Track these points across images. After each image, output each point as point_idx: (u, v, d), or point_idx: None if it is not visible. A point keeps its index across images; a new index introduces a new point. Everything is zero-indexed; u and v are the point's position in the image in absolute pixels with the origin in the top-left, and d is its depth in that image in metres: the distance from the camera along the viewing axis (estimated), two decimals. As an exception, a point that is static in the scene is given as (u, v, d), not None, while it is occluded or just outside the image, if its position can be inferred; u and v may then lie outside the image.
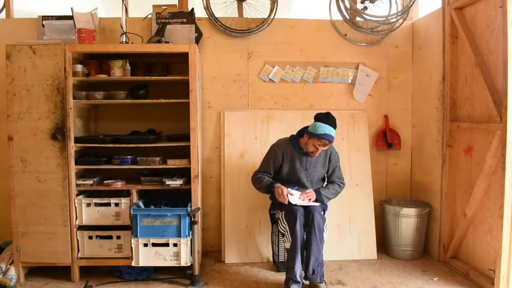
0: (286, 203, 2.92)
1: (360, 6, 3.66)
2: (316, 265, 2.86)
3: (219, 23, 3.67)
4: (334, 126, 2.93)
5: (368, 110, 3.88)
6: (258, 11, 3.73)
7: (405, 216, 3.50)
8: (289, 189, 2.97)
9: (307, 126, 3.01)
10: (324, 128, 2.89)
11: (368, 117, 3.86)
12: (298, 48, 3.82)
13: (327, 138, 2.90)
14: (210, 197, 3.76)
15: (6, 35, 3.45)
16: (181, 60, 3.13)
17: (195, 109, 3.09)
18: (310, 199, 2.99)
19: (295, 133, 3.15)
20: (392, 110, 3.95)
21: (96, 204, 3.08)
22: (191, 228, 3.03)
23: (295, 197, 2.95)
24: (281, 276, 3.10)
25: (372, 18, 3.59)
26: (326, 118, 2.94)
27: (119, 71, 3.15)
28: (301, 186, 3.09)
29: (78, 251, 3.07)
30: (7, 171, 3.03)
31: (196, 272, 3.05)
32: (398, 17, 3.70)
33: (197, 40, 3.57)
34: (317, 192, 3.05)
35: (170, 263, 3.03)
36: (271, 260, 3.50)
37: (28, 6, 3.83)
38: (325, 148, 2.97)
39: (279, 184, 2.99)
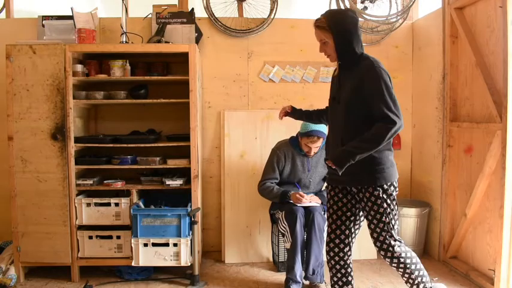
0: (306, 203, 2.94)
1: (360, 6, 3.66)
2: (317, 265, 2.86)
3: (219, 23, 3.67)
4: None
5: (368, 110, 3.87)
6: (258, 11, 3.73)
7: (405, 216, 3.50)
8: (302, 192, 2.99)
9: None
10: (311, 125, 2.89)
11: (368, 117, 3.86)
12: (298, 48, 3.81)
13: (315, 134, 2.90)
14: (210, 197, 3.76)
15: (6, 35, 3.44)
16: (181, 60, 3.13)
17: (195, 109, 3.09)
18: (311, 201, 3.00)
19: (295, 134, 3.15)
20: (392, 110, 3.94)
21: (96, 204, 3.08)
22: (191, 228, 3.03)
23: (308, 199, 2.98)
24: (281, 276, 3.10)
25: (372, 18, 3.59)
26: None
27: (119, 71, 3.15)
28: (303, 187, 3.10)
29: (78, 250, 3.07)
30: (7, 171, 3.03)
31: (196, 272, 3.05)
32: (398, 17, 3.70)
33: (197, 40, 3.57)
34: (321, 195, 3.07)
35: (170, 263, 3.03)
36: (271, 260, 3.50)
37: (28, 6, 3.83)
38: (316, 145, 2.97)
39: (294, 192, 2.99)
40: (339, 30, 2.14)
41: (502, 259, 2.74)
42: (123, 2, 3.29)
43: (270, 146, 3.26)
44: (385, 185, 2.21)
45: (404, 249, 2.25)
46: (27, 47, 2.95)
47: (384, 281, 3.14)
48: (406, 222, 3.50)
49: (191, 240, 3.03)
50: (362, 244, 3.58)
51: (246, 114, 3.74)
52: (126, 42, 3.28)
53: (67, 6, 3.24)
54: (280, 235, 3.15)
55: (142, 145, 3.17)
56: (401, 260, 2.22)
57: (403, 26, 3.85)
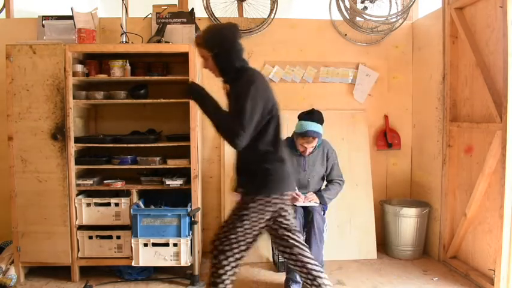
0: (306, 203, 2.94)
1: (360, 6, 3.66)
2: (316, 265, 2.86)
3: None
4: (319, 121, 2.94)
5: (368, 110, 3.88)
6: (258, 11, 3.73)
7: (405, 216, 3.50)
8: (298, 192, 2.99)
9: None
10: (306, 125, 2.90)
11: (368, 117, 3.86)
12: (298, 48, 3.82)
13: (310, 135, 2.90)
14: (210, 197, 3.76)
15: (6, 35, 3.44)
16: (181, 60, 3.13)
17: (195, 109, 3.08)
18: (310, 200, 3.00)
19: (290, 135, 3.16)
20: (392, 110, 3.94)
21: (96, 204, 3.08)
22: (191, 228, 3.03)
23: (303, 198, 2.99)
24: (281, 276, 3.10)
25: (372, 18, 3.60)
26: (308, 115, 2.96)
27: (119, 70, 3.15)
28: (302, 187, 3.10)
29: (78, 250, 3.07)
30: (7, 171, 3.03)
31: (196, 272, 3.05)
32: (398, 17, 3.71)
33: (197, 40, 3.57)
34: (319, 195, 3.06)
35: (170, 263, 3.03)
36: (271, 260, 3.50)
37: (28, 6, 3.83)
38: (311, 145, 2.97)
39: None
40: (215, 47, 2.13)
41: (502, 259, 2.74)
42: (123, 2, 3.29)
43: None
44: (260, 196, 2.12)
45: (226, 268, 2.13)
46: (27, 47, 2.95)
47: (384, 281, 3.14)
48: (406, 222, 3.50)
49: (191, 240, 3.03)
50: (362, 244, 3.59)
51: (246, 114, 3.73)
52: (126, 42, 3.27)
53: (67, 6, 3.24)
54: (280, 235, 3.15)
55: (142, 145, 3.17)
56: (219, 271, 2.14)
57: (403, 26, 3.85)
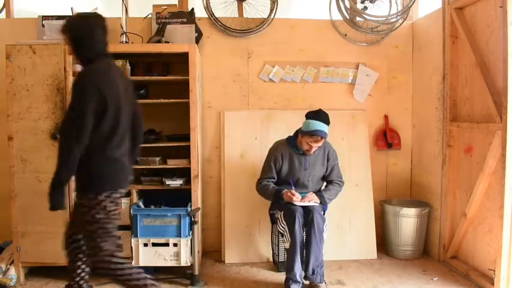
0: (305, 203, 2.95)
1: (360, 6, 3.66)
2: (316, 265, 2.86)
3: (219, 23, 3.67)
4: (326, 122, 2.94)
5: (368, 110, 3.88)
6: (258, 11, 3.73)
7: (405, 216, 3.50)
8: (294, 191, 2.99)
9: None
10: (315, 124, 2.90)
11: (368, 117, 3.86)
12: (298, 48, 3.82)
13: (319, 134, 2.91)
14: (210, 197, 3.76)
15: (6, 35, 3.44)
16: (181, 60, 3.13)
17: (195, 109, 3.09)
18: (310, 200, 2.99)
19: (292, 134, 3.16)
20: (392, 110, 3.95)
21: (96, 204, 3.08)
22: (191, 228, 3.03)
23: (299, 198, 2.98)
24: (281, 276, 3.10)
25: (372, 18, 3.60)
26: (316, 114, 2.95)
27: (119, 71, 3.14)
28: (301, 186, 3.09)
29: (78, 251, 3.07)
30: (7, 171, 3.03)
31: (196, 272, 3.05)
32: (398, 17, 3.71)
33: (197, 40, 3.57)
34: (319, 195, 3.06)
35: (170, 263, 3.03)
36: (271, 260, 3.50)
37: (28, 6, 3.83)
38: (318, 144, 2.97)
39: (286, 190, 2.99)
40: (71, 31, 2.18)
41: (502, 259, 2.74)
42: (123, 2, 3.30)
43: (270, 146, 3.26)
44: (90, 195, 2.14)
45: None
46: (27, 47, 2.95)
47: (384, 281, 3.14)
48: (406, 222, 3.50)
49: (191, 240, 3.03)
50: (362, 244, 3.59)
51: (246, 114, 3.73)
52: (126, 42, 3.28)
53: (67, 6, 3.24)
54: (280, 235, 3.15)
55: (142, 145, 3.16)
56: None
57: (403, 26, 3.85)
